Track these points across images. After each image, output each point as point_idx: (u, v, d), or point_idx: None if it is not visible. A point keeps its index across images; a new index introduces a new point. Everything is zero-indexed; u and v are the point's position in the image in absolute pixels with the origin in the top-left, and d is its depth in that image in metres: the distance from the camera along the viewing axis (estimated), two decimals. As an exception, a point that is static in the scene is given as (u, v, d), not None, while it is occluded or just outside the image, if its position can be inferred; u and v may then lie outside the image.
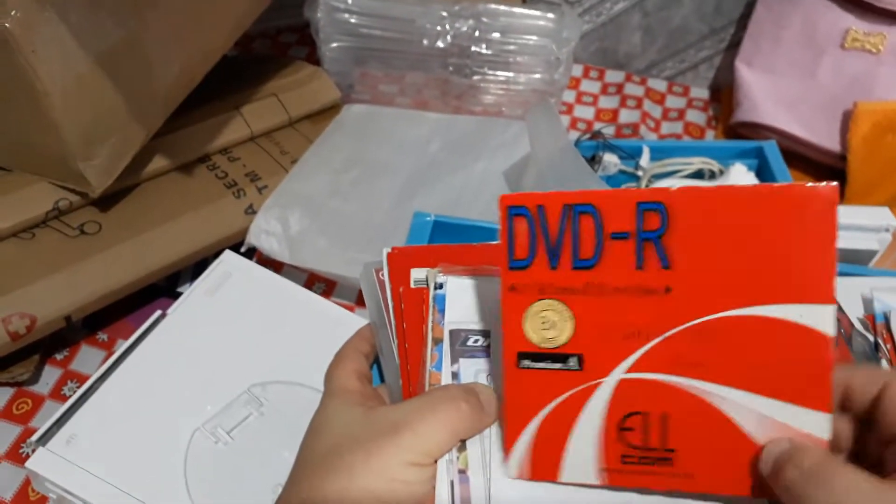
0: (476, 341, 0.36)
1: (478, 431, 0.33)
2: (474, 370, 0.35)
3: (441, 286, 0.38)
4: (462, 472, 0.32)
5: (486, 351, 0.36)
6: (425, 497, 0.31)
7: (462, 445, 0.33)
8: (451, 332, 0.36)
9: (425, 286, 0.39)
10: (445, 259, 0.40)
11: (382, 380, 0.40)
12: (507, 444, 0.32)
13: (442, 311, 0.37)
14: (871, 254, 0.53)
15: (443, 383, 0.35)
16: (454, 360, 0.36)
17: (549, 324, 0.30)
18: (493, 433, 0.33)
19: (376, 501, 0.30)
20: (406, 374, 0.37)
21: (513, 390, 0.32)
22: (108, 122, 0.55)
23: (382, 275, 0.40)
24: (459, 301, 0.38)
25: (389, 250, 0.40)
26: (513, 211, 0.30)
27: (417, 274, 0.39)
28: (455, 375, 0.35)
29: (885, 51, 0.73)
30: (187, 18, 0.58)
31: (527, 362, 0.31)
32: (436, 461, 0.32)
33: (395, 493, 0.30)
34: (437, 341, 0.36)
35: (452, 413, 0.32)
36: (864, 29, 0.74)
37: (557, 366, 0.31)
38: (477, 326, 0.37)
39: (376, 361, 0.41)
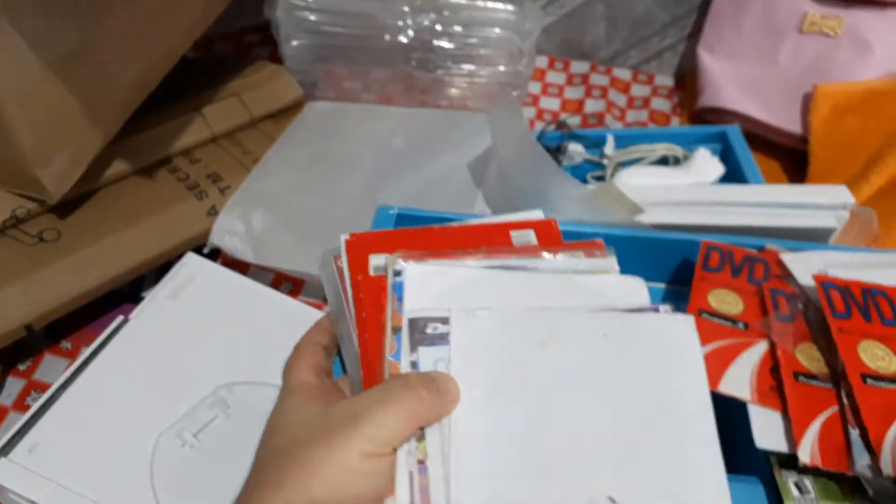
0: (435, 329, 0.36)
1: (437, 418, 0.33)
2: (434, 358, 0.35)
3: (399, 273, 0.38)
4: (421, 462, 0.32)
5: (446, 338, 0.36)
6: (385, 488, 0.31)
7: (421, 436, 0.33)
8: (410, 321, 0.36)
9: (384, 273, 0.38)
10: (405, 244, 0.40)
11: (344, 370, 0.39)
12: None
13: (401, 299, 0.37)
14: (829, 231, 0.53)
15: (402, 372, 0.35)
16: (413, 348, 0.35)
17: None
18: (450, 423, 0.33)
19: (337, 495, 0.29)
20: (367, 364, 0.36)
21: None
22: (64, 128, 0.54)
23: (341, 262, 0.40)
24: (419, 287, 0.38)
25: (348, 237, 0.40)
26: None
27: (376, 260, 0.39)
28: (414, 364, 0.35)
29: (843, 34, 0.74)
30: (143, 21, 0.58)
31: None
32: (395, 451, 0.32)
33: (355, 486, 0.30)
34: (397, 330, 0.36)
35: (412, 402, 0.32)
36: (822, 13, 0.75)
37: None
38: (437, 314, 0.36)
39: (339, 352, 0.40)
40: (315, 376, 0.36)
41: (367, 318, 0.37)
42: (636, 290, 0.39)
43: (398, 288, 0.37)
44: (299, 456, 0.31)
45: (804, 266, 0.44)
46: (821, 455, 0.34)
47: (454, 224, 0.43)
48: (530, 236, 0.43)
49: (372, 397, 0.32)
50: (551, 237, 0.43)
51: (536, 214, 0.45)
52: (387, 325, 0.37)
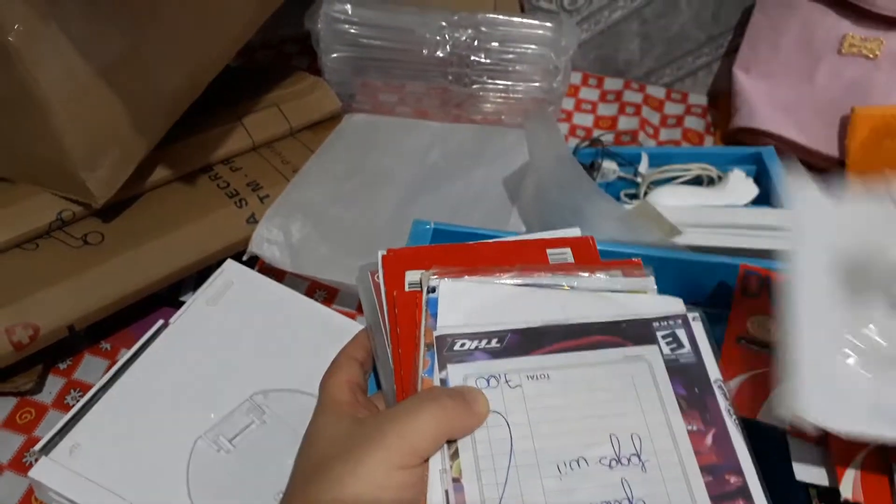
0: (463, 345, 0.36)
1: (465, 430, 0.33)
2: (463, 374, 0.35)
3: (434, 290, 0.38)
4: (456, 480, 0.32)
5: (475, 354, 0.36)
6: (414, 502, 0.31)
7: (455, 454, 0.33)
8: (438, 338, 0.36)
9: (419, 289, 0.39)
10: (441, 260, 0.40)
11: (379, 385, 0.40)
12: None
13: (434, 315, 0.37)
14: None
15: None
16: (441, 366, 0.36)
17: None
18: (486, 440, 0.33)
19: None
20: (399, 381, 0.36)
21: None
22: (110, 133, 0.55)
23: (378, 277, 0.40)
24: (453, 304, 0.38)
25: (385, 252, 0.40)
26: None
27: (412, 276, 0.40)
28: (443, 382, 0.35)
29: (882, 56, 0.74)
30: (189, 29, 0.59)
31: None
32: (425, 461, 0.32)
33: (382, 499, 0.30)
34: (430, 346, 0.36)
35: (436, 411, 0.32)
36: (862, 34, 0.75)
37: None
38: (464, 330, 0.37)
39: (375, 367, 0.41)
40: (349, 392, 0.36)
41: (402, 334, 0.38)
42: (673, 309, 0.39)
43: (432, 304, 0.38)
44: (327, 472, 0.31)
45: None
46: (863, 490, 0.34)
47: (491, 241, 0.43)
48: (567, 254, 0.43)
49: (397, 410, 0.33)
50: (588, 255, 0.43)
51: (573, 232, 0.45)
52: (420, 341, 0.37)
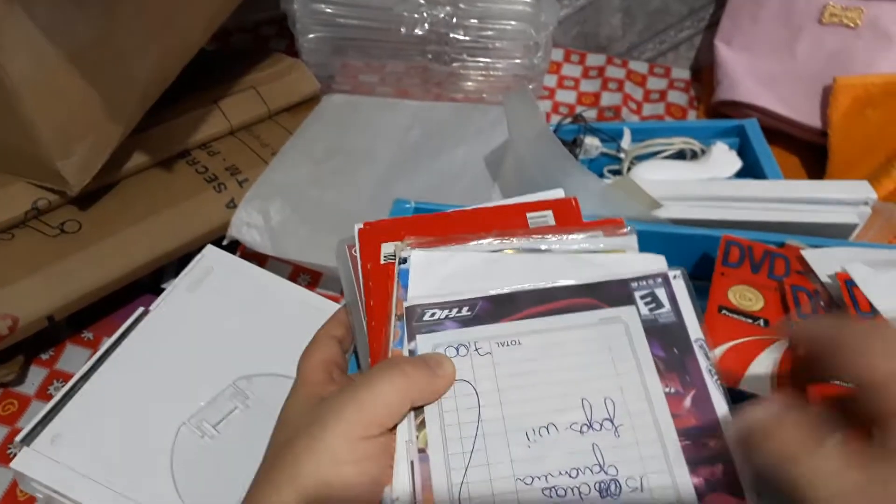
0: (433, 315, 0.36)
1: (429, 396, 0.33)
2: (432, 344, 0.35)
3: (405, 260, 0.38)
4: (422, 451, 0.32)
5: (444, 324, 0.35)
6: (379, 475, 0.30)
7: (422, 424, 0.32)
8: (408, 309, 0.36)
9: (394, 261, 0.38)
10: (418, 231, 0.39)
11: (359, 365, 0.39)
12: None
13: (406, 287, 0.37)
14: (851, 227, 0.53)
15: None
16: (411, 337, 0.35)
17: None
18: (453, 409, 0.33)
19: (325, 488, 0.29)
20: (373, 354, 0.36)
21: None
22: (83, 120, 0.54)
23: (355, 251, 0.39)
24: (424, 274, 0.37)
25: (361, 226, 0.40)
26: None
27: (387, 249, 0.39)
28: (412, 353, 0.35)
29: (863, 25, 0.73)
30: (161, 12, 0.58)
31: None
32: (389, 431, 0.31)
33: (343, 475, 0.29)
34: (401, 318, 0.36)
35: (395, 378, 0.31)
36: (842, 3, 0.74)
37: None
38: (434, 300, 0.36)
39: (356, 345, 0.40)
40: (322, 372, 0.35)
41: (375, 307, 0.37)
42: (654, 267, 0.37)
43: (403, 275, 0.37)
44: (287, 455, 0.30)
45: (826, 263, 0.44)
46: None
47: (469, 208, 0.42)
48: (548, 217, 0.42)
49: (355, 382, 0.32)
50: (571, 217, 0.42)
51: (556, 193, 0.44)
52: (392, 312, 0.36)
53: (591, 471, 0.31)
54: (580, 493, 0.30)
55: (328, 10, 0.73)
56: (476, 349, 0.35)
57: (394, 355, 0.35)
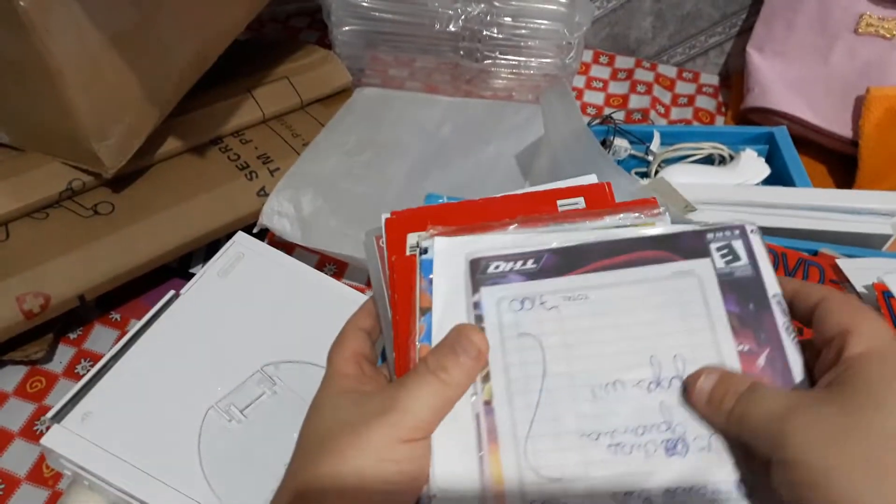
0: (497, 267, 0.35)
1: (468, 384, 0.33)
2: (497, 298, 0.34)
3: (426, 250, 0.36)
4: (487, 403, 0.32)
5: (509, 276, 0.34)
6: (418, 474, 0.31)
7: (486, 377, 0.32)
8: (471, 262, 0.35)
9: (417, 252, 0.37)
10: (444, 220, 0.38)
11: (384, 356, 0.39)
12: None
13: (429, 278, 0.36)
14: (884, 238, 0.53)
15: (464, 317, 0.34)
16: (475, 289, 0.34)
17: None
18: (517, 363, 0.33)
19: (366, 481, 0.30)
20: (398, 348, 0.35)
21: None
22: (122, 103, 0.55)
23: (382, 242, 0.38)
24: (447, 261, 0.36)
25: (388, 215, 0.39)
26: None
27: (412, 239, 0.37)
28: (477, 305, 0.34)
29: (899, 36, 0.73)
30: (200, 0, 0.58)
31: None
32: (427, 437, 0.32)
33: (384, 471, 0.30)
34: (425, 311, 0.35)
35: (435, 385, 0.31)
36: (879, 14, 0.74)
37: None
38: (499, 252, 0.35)
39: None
40: (354, 365, 0.35)
41: (399, 300, 0.36)
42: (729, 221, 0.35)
43: (425, 266, 0.36)
44: (329, 446, 0.31)
45: (862, 273, 0.44)
46: None
47: (497, 196, 0.40)
48: (579, 203, 0.39)
49: (397, 386, 0.32)
50: (603, 203, 0.39)
51: (588, 179, 0.42)
52: (415, 306, 0.35)
53: (658, 429, 0.30)
54: (646, 450, 0.30)
55: (364, 4, 0.73)
56: (542, 303, 0.34)
57: (421, 351, 0.34)
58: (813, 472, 0.25)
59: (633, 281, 0.34)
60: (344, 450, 0.30)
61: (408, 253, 0.37)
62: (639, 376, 0.31)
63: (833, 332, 0.29)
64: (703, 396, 0.30)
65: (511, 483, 0.31)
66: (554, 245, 0.35)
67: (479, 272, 0.35)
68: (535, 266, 0.35)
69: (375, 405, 0.32)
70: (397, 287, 0.36)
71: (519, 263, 0.35)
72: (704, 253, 0.33)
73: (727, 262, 0.33)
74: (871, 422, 0.26)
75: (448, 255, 0.36)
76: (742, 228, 0.34)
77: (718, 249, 0.34)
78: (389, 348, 0.37)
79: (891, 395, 0.26)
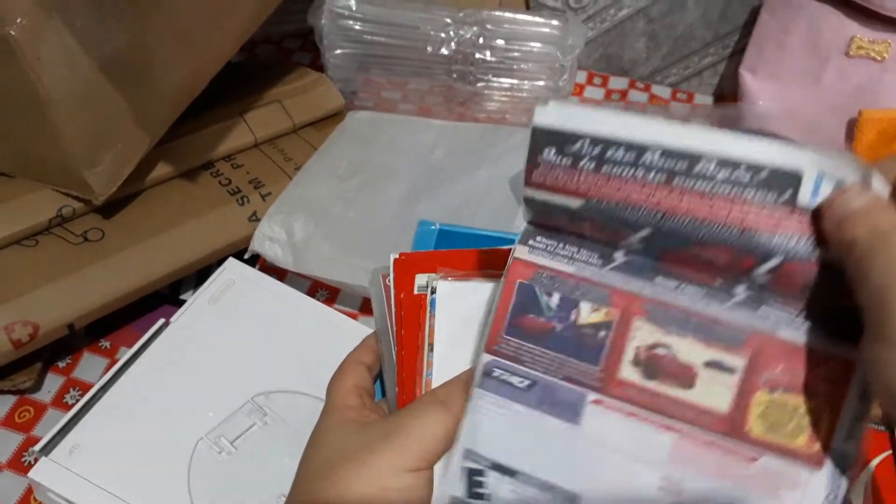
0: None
1: None
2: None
3: (435, 291, 0.38)
4: None
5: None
6: (421, 502, 0.31)
7: None
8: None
9: (426, 292, 0.39)
10: (452, 264, 0.40)
11: (384, 392, 0.39)
12: None
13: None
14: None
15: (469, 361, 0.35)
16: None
17: None
18: None
19: None
20: (401, 383, 0.36)
21: None
22: (112, 129, 0.54)
23: (389, 281, 0.40)
24: (450, 303, 0.37)
25: (397, 256, 0.40)
26: None
27: (421, 280, 0.39)
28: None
29: (891, 58, 0.73)
30: (192, 23, 0.58)
31: None
32: (432, 466, 0.32)
33: (388, 500, 0.30)
34: (433, 347, 0.36)
35: (442, 415, 0.32)
36: (869, 37, 0.74)
37: None
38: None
39: (380, 373, 0.41)
40: (356, 397, 0.36)
41: (405, 336, 0.37)
42: None
43: (435, 305, 0.38)
44: (332, 475, 0.31)
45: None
46: (874, 499, 0.33)
47: (506, 248, 0.43)
48: None
49: (403, 414, 0.33)
50: None
51: None
52: (424, 342, 0.37)
53: None
54: None
55: (356, 27, 0.73)
56: None
57: (427, 386, 0.35)
58: None
59: None
60: (347, 478, 0.30)
61: (416, 292, 0.39)
62: None
63: None
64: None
65: None
66: None
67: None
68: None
69: (379, 432, 0.32)
70: (405, 323, 0.38)
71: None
72: None
73: None
74: None
75: (450, 295, 0.37)
76: None
77: None
78: (391, 384, 0.38)
79: None
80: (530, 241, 0.33)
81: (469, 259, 0.41)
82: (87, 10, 0.50)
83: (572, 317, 0.31)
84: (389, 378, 0.38)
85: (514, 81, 0.76)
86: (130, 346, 0.52)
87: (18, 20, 0.45)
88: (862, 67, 0.75)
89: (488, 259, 0.41)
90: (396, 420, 0.32)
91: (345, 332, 0.56)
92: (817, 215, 0.27)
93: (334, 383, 0.37)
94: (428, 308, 0.38)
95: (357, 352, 0.40)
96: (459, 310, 0.37)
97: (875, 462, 0.34)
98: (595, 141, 0.29)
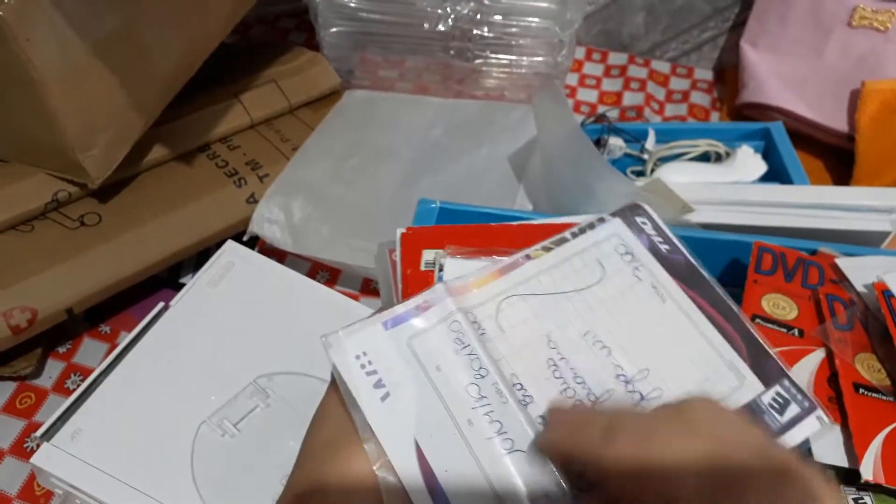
0: None
1: None
2: None
3: (443, 268, 0.37)
4: None
5: None
6: None
7: None
8: None
9: (434, 268, 0.38)
10: (460, 241, 0.39)
11: None
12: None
13: None
14: (883, 235, 0.52)
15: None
16: None
17: None
18: None
19: (371, 486, 0.30)
20: None
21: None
22: (106, 112, 0.54)
23: (395, 256, 0.39)
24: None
25: (404, 230, 0.39)
26: None
27: (428, 256, 0.38)
28: None
29: (894, 28, 0.72)
30: (185, 4, 0.57)
31: None
32: None
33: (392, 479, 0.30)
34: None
35: None
36: (872, 6, 0.73)
37: None
38: None
39: None
40: None
41: None
42: None
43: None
44: (336, 452, 0.31)
45: (861, 272, 0.43)
46: (884, 472, 0.33)
47: (516, 223, 0.42)
48: None
49: None
50: None
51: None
52: None
53: None
54: None
55: (351, 5, 0.72)
56: None
57: None
58: None
59: None
60: (350, 459, 0.30)
61: (423, 268, 0.38)
62: None
63: None
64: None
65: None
66: None
67: None
68: None
69: None
70: None
71: None
72: None
73: None
74: None
75: (457, 275, 0.37)
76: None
77: None
78: None
79: None
80: None
81: (477, 234, 0.40)
82: (78, -10, 0.49)
83: None
84: None
85: (513, 58, 0.75)
86: (130, 330, 0.51)
87: (7, 0, 0.44)
88: (864, 38, 0.74)
89: (497, 235, 0.40)
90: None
91: (346, 313, 0.55)
92: None
93: None
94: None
95: None
96: None
97: (884, 433, 0.34)
98: None
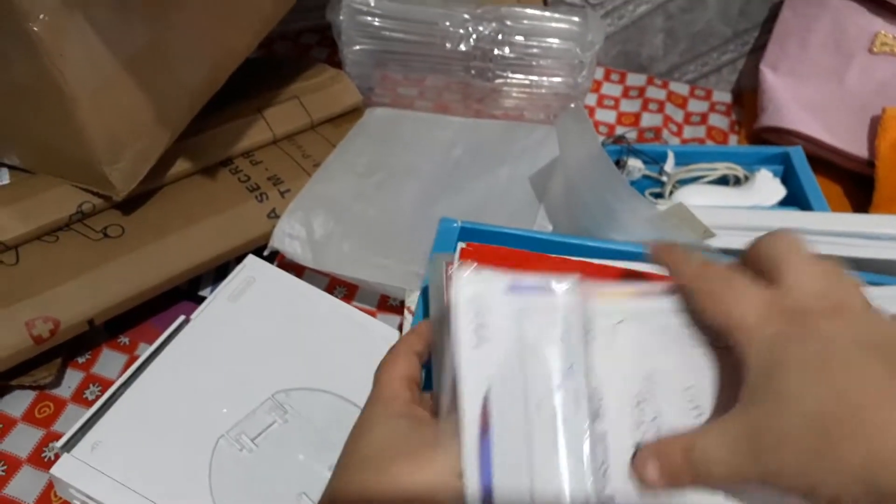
0: None
1: None
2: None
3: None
4: None
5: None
6: None
7: None
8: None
9: None
10: (519, 265, 0.39)
11: (429, 383, 0.38)
12: None
13: None
14: (906, 264, 0.52)
15: None
16: None
17: None
18: None
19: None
20: None
21: None
22: (133, 126, 0.54)
23: (452, 270, 0.39)
24: None
25: (464, 245, 0.39)
26: None
27: None
28: None
29: (915, 56, 0.72)
30: (213, 19, 0.58)
31: None
32: None
33: (438, 500, 0.30)
34: None
35: None
36: (894, 33, 0.73)
37: None
38: None
39: (429, 361, 0.40)
40: (406, 389, 0.35)
41: None
42: None
43: None
44: (381, 466, 0.31)
45: (885, 302, 0.43)
46: None
47: (576, 259, 0.42)
48: None
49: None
50: None
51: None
52: None
53: None
54: None
55: (375, 23, 0.73)
56: None
57: None
58: None
59: None
60: (400, 474, 0.30)
61: None
62: None
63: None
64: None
65: None
66: None
67: None
68: None
69: (433, 433, 0.32)
70: None
71: None
72: None
73: None
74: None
75: None
76: None
77: None
78: (440, 378, 0.36)
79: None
80: None
81: (534, 262, 0.40)
82: (110, 7, 0.49)
83: None
84: (439, 370, 0.36)
85: (533, 78, 0.76)
86: (149, 342, 0.52)
87: (41, 16, 0.45)
88: (885, 64, 0.74)
89: (556, 266, 0.40)
90: (452, 426, 0.31)
91: (365, 330, 0.55)
92: None
93: (384, 371, 0.36)
94: None
95: (409, 339, 0.38)
96: None
97: None
98: None
